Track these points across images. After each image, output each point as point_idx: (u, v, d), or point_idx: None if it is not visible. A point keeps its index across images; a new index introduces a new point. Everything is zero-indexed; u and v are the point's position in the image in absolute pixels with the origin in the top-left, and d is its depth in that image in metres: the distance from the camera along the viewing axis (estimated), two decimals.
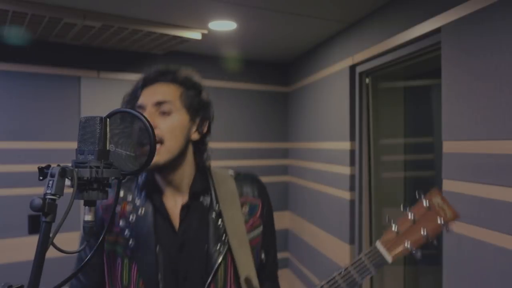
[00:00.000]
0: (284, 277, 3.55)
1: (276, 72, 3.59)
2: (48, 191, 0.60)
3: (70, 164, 0.66)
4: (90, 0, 2.07)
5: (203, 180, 1.13)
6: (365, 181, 2.45)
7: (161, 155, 1.03)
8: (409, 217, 0.98)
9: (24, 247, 2.64)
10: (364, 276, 0.96)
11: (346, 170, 2.52)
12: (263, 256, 1.16)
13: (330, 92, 2.77)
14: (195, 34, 2.54)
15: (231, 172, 1.21)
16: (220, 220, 1.09)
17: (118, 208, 1.10)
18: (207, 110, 1.15)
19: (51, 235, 0.61)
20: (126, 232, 1.08)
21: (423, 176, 2.47)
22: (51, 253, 0.61)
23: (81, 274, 1.15)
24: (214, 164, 1.22)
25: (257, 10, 2.23)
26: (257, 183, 1.21)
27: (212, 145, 1.20)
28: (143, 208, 1.08)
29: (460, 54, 1.60)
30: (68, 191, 0.62)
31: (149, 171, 1.10)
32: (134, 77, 1.17)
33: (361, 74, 2.46)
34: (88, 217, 0.69)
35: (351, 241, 2.47)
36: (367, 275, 0.96)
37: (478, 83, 1.51)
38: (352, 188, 2.48)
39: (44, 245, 0.60)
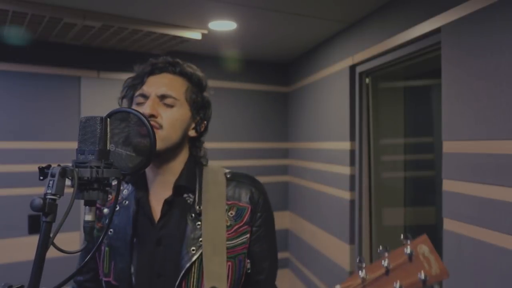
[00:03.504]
0: (284, 277, 3.55)
1: (276, 72, 3.59)
2: (49, 191, 0.60)
3: (70, 164, 0.66)
4: (90, 0, 2.07)
5: (190, 176, 1.08)
6: (365, 181, 2.45)
7: (158, 140, 1.00)
8: (383, 263, 0.78)
9: (24, 247, 2.64)
10: None
11: (346, 170, 2.52)
12: (248, 266, 1.07)
13: (330, 92, 2.77)
14: (195, 34, 2.54)
15: (227, 172, 1.13)
16: (198, 222, 1.03)
17: (109, 197, 1.11)
18: (207, 110, 1.14)
19: (51, 235, 0.61)
20: (107, 220, 1.10)
21: (423, 176, 2.47)
22: (51, 253, 0.61)
23: (79, 259, 1.18)
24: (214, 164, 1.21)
25: (257, 10, 2.23)
26: (253, 187, 1.11)
27: (212, 145, 1.20)
28: (127, 200, 1.09)
29: (460, 54, 1.60)
30: (69, 191, 0.62)
31: None
32: None
33: (361, 74, 2.46)
34: (89, 217, 0.69)
35: (351, 241, 2.47)
36: None
37: (478, 83, 1.51)
38: (352, 188, 2.48)
39: (44, 245, 0.60)
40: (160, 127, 1.01)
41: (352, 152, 2.49)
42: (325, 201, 2.81)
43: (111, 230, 1.08)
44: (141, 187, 1.09)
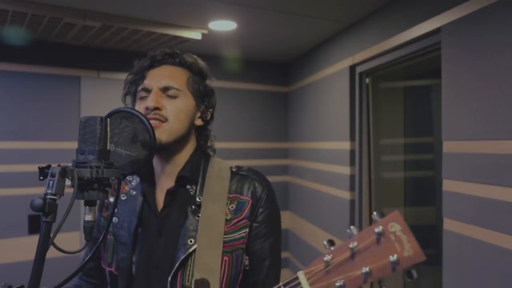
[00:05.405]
0: (284, 277, 3.54)
1: (276, 72, 3.59)
2: (49, 191, 0.61)
3: (70, 164, 0.66)
4: (90, 0, 2.07)
5: (194, 167, 1.08)
6: (365, 181, 2.45)
7: (163, 133, 1.00)
8: (350, 245, 0.70)
9: (24, 247, 2.64)
10: None
11: (346, 170, 2.52)
12: (246, 262, 1.04)
13: (330, 92, 2.77)
14: (195, 34, 2.54)
15: (233, 166, 1.13)
16: (198, 214, 1.02)
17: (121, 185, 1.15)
18: (212, 98, 1.15)
19: (51, 235, 0.61)
20: (111, 210, 1.12)
21: (423, 176, 2.47)
22: (51, 253, 0.61)
23: (87, 247, 1.17)
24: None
25: (257, 10, 2.23)
26: (257, 181, 1.09)
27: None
28: (135, 190, 1.10)
29: (460, 54, 1.60)
30: (69, 191, 0.62)
31: None
32: None
33: (361, 74, 2.46)
34: (89, 217, 0.69)
35: None
36: None
37: (478, 83, 1.51)
38: (352, 188, 2.48)
39: (44, 245, 0.60)
40: (166, 120, 1.01)
41: (352, 152, 2.49)
42: (325, 201, 2.80)
43: (116, 218, 1.09)
44: (148, 178, 1.09)
